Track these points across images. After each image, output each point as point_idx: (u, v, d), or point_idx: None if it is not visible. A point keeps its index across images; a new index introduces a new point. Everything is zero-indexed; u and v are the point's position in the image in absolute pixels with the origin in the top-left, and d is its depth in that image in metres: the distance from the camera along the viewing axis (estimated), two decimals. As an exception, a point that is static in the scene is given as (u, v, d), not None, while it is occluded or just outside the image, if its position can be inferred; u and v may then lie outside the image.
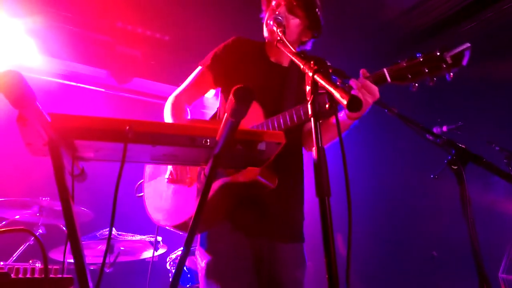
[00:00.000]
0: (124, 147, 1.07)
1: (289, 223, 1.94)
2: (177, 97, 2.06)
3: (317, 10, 2.03)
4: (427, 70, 1.48)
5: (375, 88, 1.57)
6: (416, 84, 1.52)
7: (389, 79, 1.56)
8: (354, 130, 1.88)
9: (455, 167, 1.51)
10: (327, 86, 1.02)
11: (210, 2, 4.48)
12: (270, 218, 1.87)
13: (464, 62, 1.46)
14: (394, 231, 4.63)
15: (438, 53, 1.47)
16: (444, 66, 1.46)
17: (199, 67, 2.09)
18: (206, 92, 2.13)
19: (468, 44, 1.46)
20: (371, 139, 4.62)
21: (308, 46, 2.15)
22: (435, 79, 1.50)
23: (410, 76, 1.51)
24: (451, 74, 1.46)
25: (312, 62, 1.13)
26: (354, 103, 0.92)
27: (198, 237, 1.95)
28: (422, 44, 4.83)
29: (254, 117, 1.84)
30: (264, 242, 1.87)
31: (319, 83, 1.07)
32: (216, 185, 1.74)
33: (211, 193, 1.73)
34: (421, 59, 1.51)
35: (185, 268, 3.31)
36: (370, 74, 1.61)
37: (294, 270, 1.93)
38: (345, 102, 0.93)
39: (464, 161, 1.52)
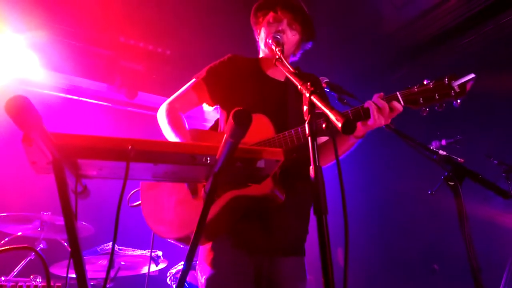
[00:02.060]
0: (127, 166, 1.10)
1: (290, 237, 1.94)
2: (170, 104, 2.06)
3: (312, 24, 2.09)
4: (437, 97, 1.57)
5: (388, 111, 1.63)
6: (427, 109, 1.59)
7: (402, 102, 1.63)
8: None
9: (452, 183, 1.53)
10: (323, 107, 1.06)
11: (210, 17, 4.55)
12: (271, 234, 1.87)
13: (467, 90, 1.55)
14: (394, 245, 4.62)
15: (447, 81, 1.56)
16: (453, 94, 1.55)
17: (193, 79, 2.10)
18: (198, 104, 2.12)
19: (473, 75, 1.56)
20: (369, 154, 4.64)
21: (297, 57, 2.20)
22: (444, 105, 1.58)
23: (422, 101, 1.59)
24: (459, 101, 1.55)
25: (309, 84, 1.17)
26: (348, 126, 0.95)
27: (198, 252, 1.94)
28: (422, 57, 4.88)
29: (264, 131, 1.85)
30: (265, 258, 1.87)
31: (315, 104, 1.10)
32: (226, 197, 1.74)
33: (221, 205, 1.73)
34: (431, 86, 1.59)
35: (186, 283, 3.30)
36: (384, 96, 1.66)
37: (294, 284, 1.92)
38: (339, 124, 0.96)
39: (461, 177, 1.54)
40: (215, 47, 4.74)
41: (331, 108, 1.03)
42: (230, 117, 0.91)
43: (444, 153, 3.09)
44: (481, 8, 4.19)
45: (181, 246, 1.92)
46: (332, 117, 1.00)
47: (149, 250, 3.46)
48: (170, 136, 1.93)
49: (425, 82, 1.60)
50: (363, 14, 4.63)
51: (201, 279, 1.84)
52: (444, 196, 1.87)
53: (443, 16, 4.45)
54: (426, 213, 4.13)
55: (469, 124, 3.81)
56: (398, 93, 1.63)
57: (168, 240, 1.88)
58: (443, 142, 3.23)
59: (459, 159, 3.13)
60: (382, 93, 1.64)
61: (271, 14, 2.07)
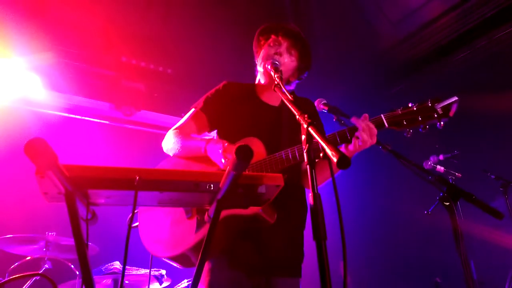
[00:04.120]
0: (135, 195, 1.15)
1: (285, 257, 1.97)
2: (176, 129, 2.14)
3: (310, 54, 2.17)
4: (420, 119, 1.63)
5: (376, 132, 1.71)
6: (411, 131, 1.66)
7: (386, 124, 1.70)
8: (352, 165, 1.95)
9: (447, 203, 1.58)
10: (320, 141, 1.12)
11: (210, 36, 4.65)
12: (267, 254, 1.91)
13: (451, 113, 1.61)
14: (396, 258, 4.63)
15: (430, 104, 1.63)
16: (436, 116, 1.62)
17: (192, 109, 2.19)
18: (200, 132, 2.20)
19: (456, 98, 1.62)
20: (367, 175, 4.68)
21: (293, 86, 2.27)
22: (427, 127, 1.64)
23: (405, 123, 1.66)
24: (442, 123, 1.61)
25: (306, 116, 1.23)
26: (343, 161, 1.01)
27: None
28: (416, 74, 4.94)
29: (256, 153, 1.90)
30: (262, 278, 1.91)
31: (313, 136, 1.16)
32: None
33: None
34: (415, 108, 1.66)
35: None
36: (370, 119, 1.73)
37: None
38: (335, 160, 1.02)
39: (456, 197, 1.59)
40: (216, 66, 4.85)
41: (328, 142, 1.09)
42: (233, 152, 0.97)
43: (442, 169, 3.14)
44: (475, 24, 4.27)
45: (177, 266, 1.94)
46: (328, 151, 1.06)
47: (153, 269, 3.49)
48: (189, 149, 1.99)
49: (409, 105, 1.67)
50: (359, 31, 4.72)
51: None
52: (442, 214, 1.91)
53: (438, 32, 4.52)
54: (425, 231, 4.15)
55: (467, 139, 3.86)
56: (382, 115, 1.71)
57: (163, 259, 1.92)
58: (441, 157, 3.28)
59: (457, 174, 3.19)
60: (366, 115, 1.72)
61: (272, 37, 2.18)
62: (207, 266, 1.92)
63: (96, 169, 1.15)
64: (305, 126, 1.20)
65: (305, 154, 1.17)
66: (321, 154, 1.14)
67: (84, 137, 5.03)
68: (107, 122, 5.44)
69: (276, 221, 1.81)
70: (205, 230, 1.76)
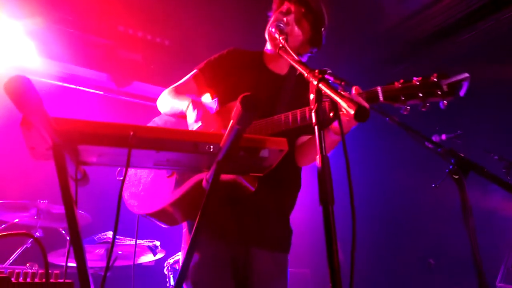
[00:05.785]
0: (128, 153, 1.07)
1: (267, 229, 1.91)
2: (173, 89, 2.08)
3: (323, 28, 2.04)
4: (421, 95, 1.47)
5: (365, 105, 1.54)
6: (408, 107, 1.51)
7: (381, 98, 1.55)
8: (355, 137, 1.87)
9: (456, 177, 1.51)
10: (332, 95, 1.02)
11: (209, 7, 4.50)
12: (246, 224, 1.87)
13: (462, 93, 1.44)
14: (392, 238, 4.64)
15: (435, 79, 1.45)
16: (439, 93, 1.45)
17: (194, 70, 2.13)
18: (198, 94, 2.12)
19: (467, 74, 1.43)
20: (371, 146, 4.63)
21: (304, 59, 2.14)
22: (428, 104, 1.48)
23: (403, 98, 1.50)
24: (445, 102, 1.45)
25: (316, 71, 1.14)
26: (362, 112, 0.92)
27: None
28: (420, 53, 4.86)
29: None
30: (241, 248, 1.87)
31: (324, 92, 1.07)
32: (193, 180, 1.70)
33: (187, 187, 1.71)
34: (417, 83, 1.49)
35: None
36: (364, 90, 1.58)
37: (270, 280, 1.89)
38: (352, 112, 0.93)
39: (465, 170, 1.52)
40: (214, 37, 4.71)
41: (341, 96, 1.00)
42: (238, 102, 0.89)
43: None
44: (482, 3, 4.18)
45: (162, 225, 1.89)
46: (343, 104, 0.97)
47: (147, 240, 3.46)
48: (177, 105, 1.92)
49: (414, 79, 1.51)
50: (364, 8, 4.60)
51: None
52: (447, 188, 1.86)
53: (445, 11, 4.42)
54: (427, 205, 4.14)
55: (469, 119, 3.80)
56: (378, 87, 1.56)
57: (141, 215, 1.88)
58: (443, 137, 3.22)
59: (460, 154, 3.13)
60: (357, 86, 1.58)
61: (286, 4, 2.05)
62: (187, 236, 1.93)
63: (87, 123, 1.07)
64: (314, 82, 1.10)
65: (313, 114, 1.08)
66: (331, 114, 1.06)
67: (78, 107, 4.93)
68: (101, 93, 5.33)
69: (260, 191, 1.68)
70: (182, 188, 1.71)
